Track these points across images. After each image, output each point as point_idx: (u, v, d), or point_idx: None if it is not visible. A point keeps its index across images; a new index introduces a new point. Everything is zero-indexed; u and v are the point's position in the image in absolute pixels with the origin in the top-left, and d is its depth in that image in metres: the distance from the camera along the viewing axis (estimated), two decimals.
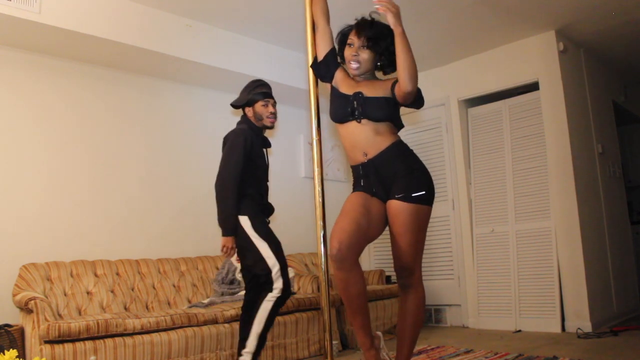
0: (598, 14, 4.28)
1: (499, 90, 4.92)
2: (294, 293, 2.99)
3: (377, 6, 2.12)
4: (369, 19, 2.34)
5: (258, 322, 2.77)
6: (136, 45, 3.72)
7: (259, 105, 2.94)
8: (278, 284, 2.79)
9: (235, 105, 3.02)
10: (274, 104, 3.00)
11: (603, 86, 5.35)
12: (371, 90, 2.28)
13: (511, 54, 4.80)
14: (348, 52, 2.31)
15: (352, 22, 2.37)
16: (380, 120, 2.24)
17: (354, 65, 2.30)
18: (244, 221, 2.81)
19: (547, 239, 4.46)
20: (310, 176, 5.17)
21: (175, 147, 4.34)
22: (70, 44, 3.62)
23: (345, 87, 2.34)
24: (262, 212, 2.93)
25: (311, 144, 2.46)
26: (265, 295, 2.80)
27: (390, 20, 2.12)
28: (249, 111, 2.99)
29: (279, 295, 2.79)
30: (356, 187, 2.31)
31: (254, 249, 2.80)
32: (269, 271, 2.79)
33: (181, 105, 4.46)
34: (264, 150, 3.07)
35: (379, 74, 2.44)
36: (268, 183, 3.09)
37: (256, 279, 2.86)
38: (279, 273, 2.79)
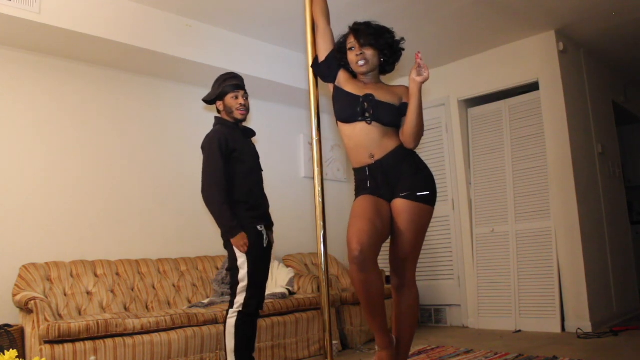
0: (598, 14, 4.28)
1: (499, 90, 4.92)
2: (259, 316, 2.80)
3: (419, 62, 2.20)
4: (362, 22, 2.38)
5: (228, 337, 2.65)
6: (136, 45, 3.72)
7: (229, 98, 2.83)
8: (239, 299, 2.65)
9: (207, 101, 2.93)
10: (245, 96, 2.87)
11: (603, 86, 5.35)
12: (381, 95, 2.30)
13: (511, 54, 4.80)
14: (352, 55, 2.32)
15: (352, 24, 2.39)
16: (390, 125, 2.27)
17: (361, 62, 2.30)
18: None
19: (547, 239, 4.46)
20: (310, 176, 5.17)
21: (175, 147, 4.34)
22: (70, 44, 3.62)
23: (352, 88, 2.35)
24: (254, 218, 2.78)
25: (311, 144, 2.46)
26: (229, 309, 2.70)
27: (418, 81, 2.20)
28: (220, 105, 2.88)
29: (239, 310, 2.64)
30: (361, 189, 2.30)
31: (234, 257, 2.72)
32: (237, 282, 2.69)
33: (181, 105, 4.46)
34: (249, 141, 2.94)
35: (383, 79, 2.46)
36: (262, 173, 2.97)
37: (233, 288, 2.75)
38: (244, 287, 2.65)
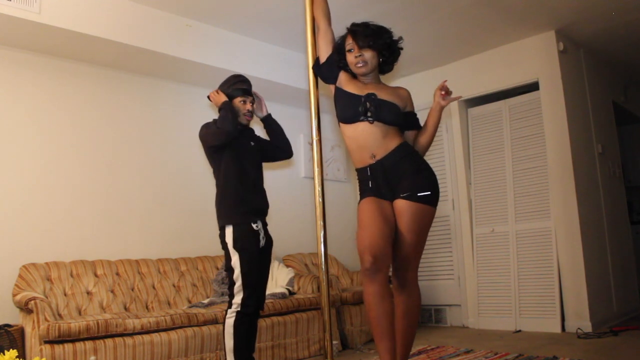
0: (598, 14, 4.28)
1: (499, 90, 4.92)
2: (259, 315, 2.83)
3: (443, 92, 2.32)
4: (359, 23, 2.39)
5: (227, 337, 2.65)
6: (136, 45, 3.72)
7: (237, 101, 2.87)
8: (236, 299, 2.65)
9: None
10: (252, 102, 2.94)
11: (603, 86, 5.35)
12: (383, 94, 2.31)
13: (511, 54, 4.80)
14: (351, 57, 2.33)
15: (350, 25, 2.39)
16: (392, 124, 2.27)
17: (360, 64, 2.31)
18: (228, 231, 2.73)
19: (547, 239, 4.46)
20: (310, 176, 5.17)
21: (175, 147, 4.34)
22: (70, 44, 3.62)
23: (353, 88, 2.35)
24: (251, 213, 2.78)
25: (311, 144, 2.46)
26: (227, 309, 2.70)
27: (442, 105, 2.32)
28: None
29: (238, 310, 2.64)
30: (364, 189, 2.31)
31: (228, 257, 2.72)
32: (233, 283, 2.69)
33: (181, 105, 4.46)
34: (246, 140, 2.95)
35: (383, 79, 2.47)
36: (261, 172, 2.97)
37: (231, 288, 2.75)
38: (240, 287, 2.66)
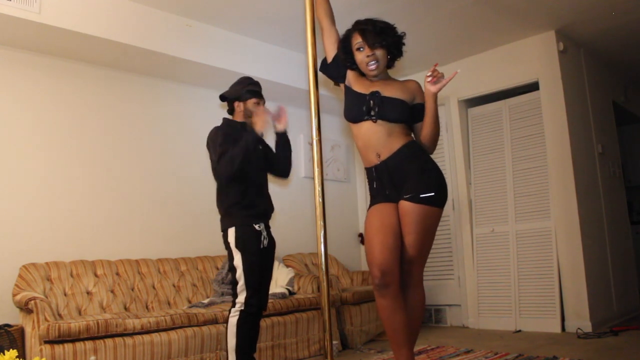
0: (598, 14, 4.28)
1: (499, 90, 4.92)
2: (261, 314, 2.83)
3: (430, 78, 2.20)
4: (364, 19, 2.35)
5: (229, 336, 2.67)
6: (136, 45, 3.72)
7: (250, 102, 2.90)
8: (240, 298, 2.67)
9: (225, 97, 2.97)
10: (263, 104, 2.97)
11: (603, 86, 5.35)
12: (388, 90, 2.27)
13: (511, 54, 4.80)
14: (362, 56, 2.29)
15: (355, 23, 2.37)
16: (396, 122, 2.24)
17: (373, 65, 2.27)
18: (231, 232, 2.74)
19: (547, 239, 4.46)
20: (310, 176, 5.17)
21: (175, 147, 4.34)
22: (70, 44, 3.62)
23: (360, 86, 2.33)
24: (254, 217, 2.79)
25: (311, 144, 2.46)
26: (231, 308, 2.72)
27: (433, 91, 2.20)
28: (238, 106, 2.93)
29: (241, 309, 2.66)
30: (370, 191, 2.32)
31: (231, 256, 2.74)
32: (236, 282, 2.71)
33: (181, 105, 4.46)
34: (257, 144, 2.94)
35: (392, 73, 2.45)
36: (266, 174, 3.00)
37: (234, 287, 2.77)
38: (243, 287, 2.67)
